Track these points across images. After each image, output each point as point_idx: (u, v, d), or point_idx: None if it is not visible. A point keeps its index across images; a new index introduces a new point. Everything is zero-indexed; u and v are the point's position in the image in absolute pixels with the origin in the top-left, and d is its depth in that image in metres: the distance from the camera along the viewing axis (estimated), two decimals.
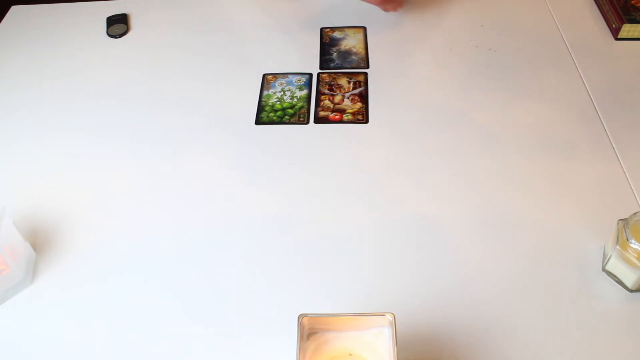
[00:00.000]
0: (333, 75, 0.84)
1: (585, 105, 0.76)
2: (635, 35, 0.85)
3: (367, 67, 0.84)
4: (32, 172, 0.72)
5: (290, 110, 0.78)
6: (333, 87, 0.82)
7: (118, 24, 0.95)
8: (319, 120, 0.77)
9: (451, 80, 0.81)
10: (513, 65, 0.83)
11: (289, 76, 0.84)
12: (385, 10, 0.91)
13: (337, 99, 0.80)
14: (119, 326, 0.57)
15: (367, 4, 0.92)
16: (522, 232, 0.62)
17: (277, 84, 0.82)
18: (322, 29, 0.92)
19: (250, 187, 0.69)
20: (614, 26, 0.86)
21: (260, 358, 0.54)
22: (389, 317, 0.45)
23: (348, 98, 0.80)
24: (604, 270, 0.58)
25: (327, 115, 0.77)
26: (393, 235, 0.63)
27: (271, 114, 0.78)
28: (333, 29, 0.92)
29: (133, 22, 0.96)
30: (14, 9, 1.02)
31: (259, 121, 0.77)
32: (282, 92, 0.81)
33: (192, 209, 0.67)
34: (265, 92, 0.81)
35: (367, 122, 0.76)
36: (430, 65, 0.84)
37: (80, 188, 0.70)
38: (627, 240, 0.54)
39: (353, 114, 0.77)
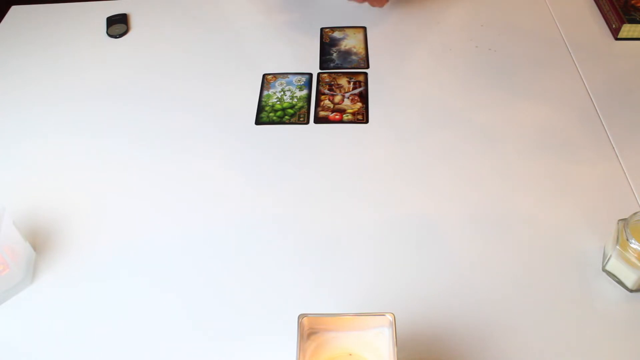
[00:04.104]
0: (333, 75, 0.83)
1: (585, 105, 0.76)
2: (635, 35, 0.85)
3: (367, 67, 0.84)
4: (32, 172, 0.72)
5: (290, 110, 0.78)
6: (333, 87, 0.82)
7: (118, 24, 0.95)
8: (319, 120, 0.77)
9: (451, 80, 0.81)
10: (513, 65, 0.83)
11: (289, 76, 0.84)
12: (372, 5, 0.90)
13: (337, 99, 0.80)
14: (119, 326, 0.57)
15: (366, 3, 0.92)
16: (522, 232, 0.62)
17: (277, 84, 0.82)
18: (322, 29, 0.92)
19: (250, 187, 0.69)
20: (614, 26, 0.86)
21: (260, 358, 0.54)
22: (389, 317, 0.45)
23: (348, 98, 0.80)
24: (604, 270, 0.58)
25: (327, 115, 0.77)
26: (393, 235, 0.63)
27: (271, 114, 0.78)
28: (333, 29, 0.92)
29: (133, 22, 0.96)
30: (14, 9, 1.02)
31: (259, 121, 0.77)
32: (282, 92, 0.81)
33: (191, 209, 0.67)
34: (265, 92, 0.81)
35: (367, 122, 0.76)
36: (431, 65, 0.84)
37: (80, 188, 0.70)
38: (627, 240, 0.54)
39: (353, 114, 0.77)
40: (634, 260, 0.54)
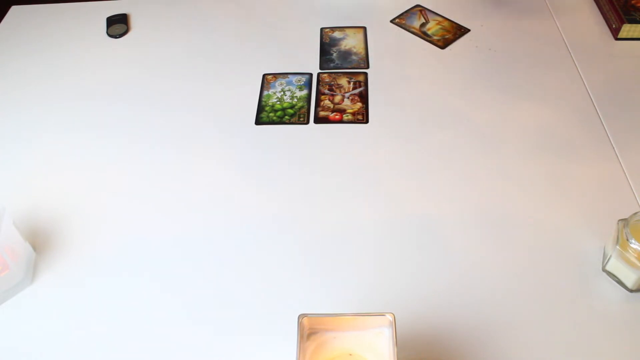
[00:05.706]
0: (333, 75, 0.83)
1: (585, 105, 0.76)
2: (635, 35, 0.85)
3: (367, 67, 0.84)
4: (32, 172, 0.72)
5: (290, 110, 0.78)
6: (333, 87, 0.81)
7: (118, 24, 0.95)
8: (319, 120, 0.77)
9: (451, 80, 0.81)
10: (513, 65, 0.83)
11: (289, 76, 0.84)
12: None
13: (337, 99, 0.80)
14: (119, 326, 0.57)
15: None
16: (522, 232, 0.62)
17: (277, 84, 0.82)
18: (322, 29, 0.92)
19: (250, 187, 0.69)
20: (614, 26, 0.86)
21: (260, 358, 0.54)
22: (389, 317, 0.45)
23: (348, 98, 0.80)
24: (604, 270, 0.58)
25: (327, 115, 0.77)
26: (393, 235, 0.63)
27: (271, 114, 0.78)
28: (333, 29, 0.92)
29: (133, 22, 0.96)
30: (14, 9, 1.02)
31: (259, 121, 0.77)
32: (282, 92, 0.81)
33: (192, 209, 0.67)
34: (265, 92, 0.81)
35: (367, 122, 0.76)
36: (431, 65, 0.84)
37: (80, 188, 0.70)
38: (627, 240, 0.54)
39: (353, 114, 0.77)
40: (633, 260, 0.54)
